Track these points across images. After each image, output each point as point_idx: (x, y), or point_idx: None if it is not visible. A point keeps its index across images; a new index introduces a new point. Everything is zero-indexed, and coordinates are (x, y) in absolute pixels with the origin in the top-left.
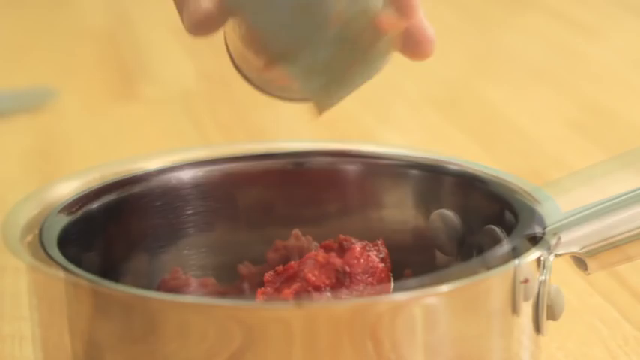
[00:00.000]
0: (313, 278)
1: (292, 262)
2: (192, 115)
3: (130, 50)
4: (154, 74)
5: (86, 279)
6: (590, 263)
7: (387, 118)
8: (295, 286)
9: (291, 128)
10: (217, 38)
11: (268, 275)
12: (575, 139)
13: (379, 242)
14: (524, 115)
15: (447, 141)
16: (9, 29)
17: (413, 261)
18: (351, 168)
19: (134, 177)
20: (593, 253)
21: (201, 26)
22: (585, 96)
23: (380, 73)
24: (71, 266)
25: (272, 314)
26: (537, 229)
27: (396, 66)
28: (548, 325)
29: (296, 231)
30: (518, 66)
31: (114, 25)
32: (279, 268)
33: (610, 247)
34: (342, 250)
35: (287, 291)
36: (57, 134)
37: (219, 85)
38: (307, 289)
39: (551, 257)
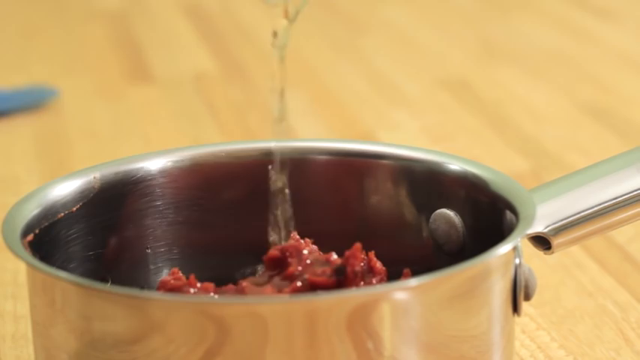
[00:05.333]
0: (312, 277)
1: (291, 268)
2: (205, 96)
3: (143, 32)
4: (167, 56)
5: (85, 279)
6: (555, 242)
7: (399, 99)
8: (294, 285)
9: (296, 121)
10: (230, 19)
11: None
12: (589, 123)
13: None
14: (538, 98)
15: (460, 123)
16: (19, 12)
17: (412, 261)
18: (351, 167)
19: (134, 177)
20: (557, 231)
21: None
22: (599, 79)
23: (392, 55)
24: (70, 266)
25: (245, 309)
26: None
27: (408, 48)
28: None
29: (294, 233)
30: (531, 48)
31: (127, 6)
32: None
33: (574, 224)
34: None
35: (286, 290)
36: (70, 116)
37: (232, 66)
38: (307, 288)
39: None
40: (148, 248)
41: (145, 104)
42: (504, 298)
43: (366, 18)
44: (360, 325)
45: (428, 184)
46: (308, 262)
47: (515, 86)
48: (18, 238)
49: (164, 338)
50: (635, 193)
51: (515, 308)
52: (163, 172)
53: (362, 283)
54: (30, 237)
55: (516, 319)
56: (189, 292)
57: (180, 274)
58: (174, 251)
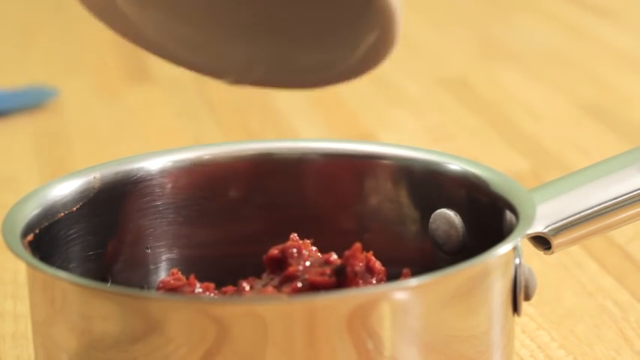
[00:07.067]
0: (312, 277)
1: (291, 268)
2: (205, 96)
3: None
4: None
5: (85, 279)
6: (555, 242)
7: (399, 99)
8: (294, 285)
9: (296, 121)
10: None
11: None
12: (589, 123)
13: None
14: (538, 98)
15: (460, 123)
16: (19, 12)
17: (412, 261)
18: (350, 167)
19: (134, 177)
20: (557, 231)
21: None
22: (599, 78)
23: (392, 55)
24: (70, 266)
25: (245, 309)
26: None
27: (408, 48)
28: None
29: (294, 235)
30: (531, 48)
31: None
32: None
33: (574, 224)
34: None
35: (286, 290)
36: (70, 116)
37: None
38: (307, 289)
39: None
40: (147, 248)
41: (145, 104)
42: (504, 298)
43: None
44: (360, 325)
45: (428, 184)
46: (308, 262)
47: (515, 86)
48: (18, 238)
49: (164, 338)
50: (635, 193)
51: (515, 308)
52: (163, 172)
53: (361, 282)
54: (30, 237)
55: (516, 318)
56: (189, 292)
57: (180, 275)
58: (174, 251)
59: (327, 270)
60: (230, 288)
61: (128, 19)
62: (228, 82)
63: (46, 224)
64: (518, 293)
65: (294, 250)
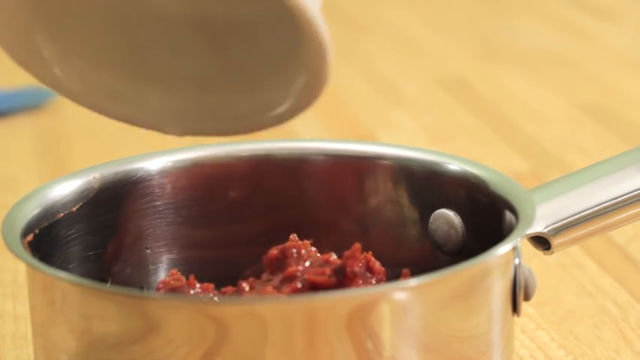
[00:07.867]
0: (312, 277)
1: (291, 268)
2: None
3: None
4: None
5: (85, 279)
6: (554, 242)
7: (399, 99)
8: (294, 285)
9: (296, 121)
10: None
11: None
12: (589, 123)
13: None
14: (538, 98)
15: (460, 123)
16: None
17: (412, 261)
18: (351, 168)
19: (134, 177)
20: (557, 231)
21: None
22: (599, 78)
23: (392, 55)
24: (70, 266)
25: (245, 310)
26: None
27: (408, 48)
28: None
29: (293, 235)
30: (531, 49)
31: None
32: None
33: (574, 224)
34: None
35: (286, 290)
36: (70, 116)
37: None
38: (307, 289)
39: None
40: (147, 248)
41: None
42: (504, 299)
43: (366, 18)
44: (360, 325)
45: (428, 184)
46: (307, 262)
47: (515, 86)
48: (18, 238)
49: (164, 338)
50: (635, 193)
51: (515, 308)
52: (163, 172)
53: (361, 282)
54: (30, 237)
55: (516, 319)
56: (188, 292)
57: (180, 275)
58: (174, 251)
59: (327, 270)
60: (230, 288)
61: (54, 71)
62: (164, 133)
63: (46, 224)
64: (518, 293)
65: (294, 251)
